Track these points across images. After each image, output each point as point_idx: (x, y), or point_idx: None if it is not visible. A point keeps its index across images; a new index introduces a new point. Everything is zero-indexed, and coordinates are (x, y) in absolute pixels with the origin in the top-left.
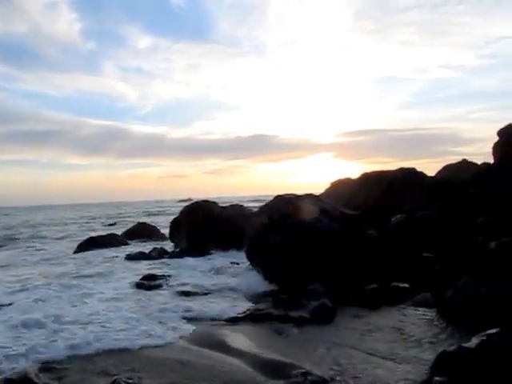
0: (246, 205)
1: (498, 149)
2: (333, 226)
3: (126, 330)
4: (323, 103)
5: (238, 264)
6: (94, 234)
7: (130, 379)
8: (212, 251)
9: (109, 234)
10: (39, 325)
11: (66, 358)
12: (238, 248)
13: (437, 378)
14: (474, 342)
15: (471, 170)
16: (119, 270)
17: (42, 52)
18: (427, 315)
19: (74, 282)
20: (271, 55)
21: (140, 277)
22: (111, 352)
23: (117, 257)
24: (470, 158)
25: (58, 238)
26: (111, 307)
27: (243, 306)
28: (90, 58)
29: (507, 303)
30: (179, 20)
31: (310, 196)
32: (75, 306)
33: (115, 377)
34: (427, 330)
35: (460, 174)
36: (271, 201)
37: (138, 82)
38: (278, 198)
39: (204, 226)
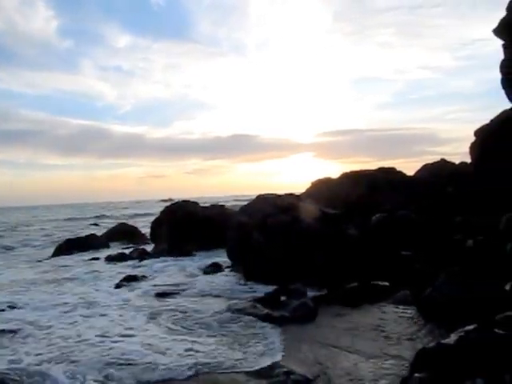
0: (226, 205)
1: (474, 149)
2: (314, 226)
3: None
4: (303, 103)
5: (219, 264)
6: (72, 236)
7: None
8: (193, 251)
9: (88, 236)
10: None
11: None
12: (220, 248)
13: (417, 375)
14: (453, 338)
15: (449, 169)
16: (100, 272)
17: (18, 50)
18: (407, 313)
19: (54, 286)
20: (251, 55)
21: (120, 278)
22: None
23: (97, 258)
24: (447, 158)
25: (36, 240)
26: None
27: (224, 306)
28: (68, 56)
29: (484, 300)
30: (158, 19)
31: (290, 196)
32: (64, 314)
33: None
34: (407, 327)
35: (438, 174)
36: (252, 201)
37: (116, 82)
38: (260, 197)
39: (185, 227)
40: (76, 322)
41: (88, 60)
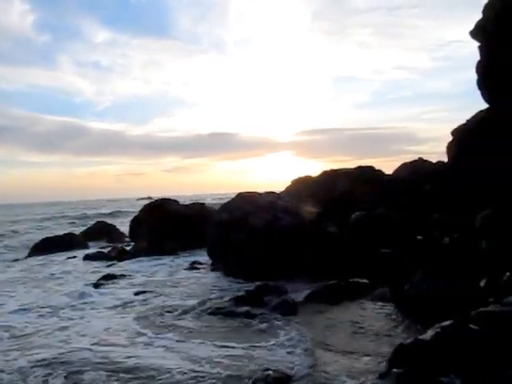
0: (206, 203)
1: (451, 148)
2: (294, 224)
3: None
4: (282, 102)
5: (200, 262)
6: (49, 234)
7: None
8: (174, 250)
9: (66, 234)
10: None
11: None
12: (200, 247)
13: (395, 370)
14: (430, 334)
15: (427, 168)
16: (77, 271)
17: None
18: (385, 309)
19: (30, 287)
20: (231, 53)
21: (99, 277)
22: None
23: (75, 257)
24: (425, 157)
25: (11, 240)
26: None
27: (205, 304)
28: (45, 51)
29: (460, 296)
30: (138, 15)
31: (271, 194)
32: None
33: None
34: (385, 323)
35: (416, 172)
36: (233, 199)
37: (95, 78)
38: (240, 195)
39: (165, 225)
40: (61, 324)
41: (66, 55)
